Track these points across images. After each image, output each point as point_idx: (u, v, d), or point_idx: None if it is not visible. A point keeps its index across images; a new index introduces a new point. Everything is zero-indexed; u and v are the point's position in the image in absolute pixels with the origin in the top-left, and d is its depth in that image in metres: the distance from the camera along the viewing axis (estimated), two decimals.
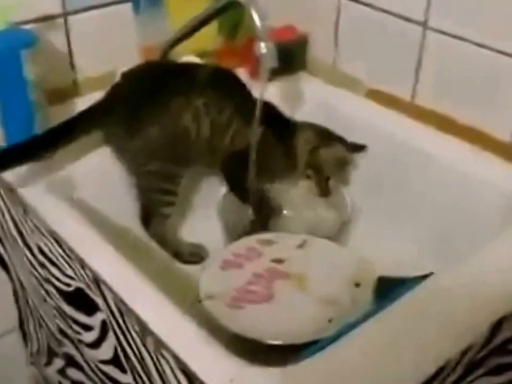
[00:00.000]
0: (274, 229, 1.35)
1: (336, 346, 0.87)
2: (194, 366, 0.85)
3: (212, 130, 1.24)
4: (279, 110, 1.34)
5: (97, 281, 1.01)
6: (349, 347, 0.88)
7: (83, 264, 1.03)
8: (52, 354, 1.36)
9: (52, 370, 1.39)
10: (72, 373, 1.28)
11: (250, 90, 1.29)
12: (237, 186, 1.32)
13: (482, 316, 0.93)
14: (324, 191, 1.33)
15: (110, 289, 0.98)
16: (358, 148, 1.35)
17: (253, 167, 1.25)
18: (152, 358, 0.95)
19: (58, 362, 1.34)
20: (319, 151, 1.31)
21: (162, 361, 0.91)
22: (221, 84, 1.26)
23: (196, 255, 1.31)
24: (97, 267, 1.01)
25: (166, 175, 1.24)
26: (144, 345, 0.95)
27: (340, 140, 1.34)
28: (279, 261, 1.22)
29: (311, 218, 1.39)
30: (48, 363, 1.40)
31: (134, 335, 0.97)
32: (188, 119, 1.22)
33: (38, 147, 1.16)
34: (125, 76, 1.26)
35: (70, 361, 1.27)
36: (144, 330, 0.93)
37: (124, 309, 0.96)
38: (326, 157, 1.31)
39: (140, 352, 0.98)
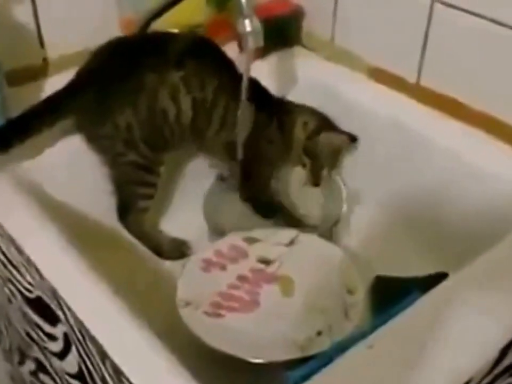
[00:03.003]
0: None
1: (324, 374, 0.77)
2: None
3: (194, 110, 1.13)
4: (266, 88, 1.23)
5: (55, 295, 0.90)
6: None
7: (40, 275, 0.92)
8: (23, 355, 1.27)
9: (25, 371, 1.31)
10: (44, 378, 1.19)
11: (235, 64, 1.17)
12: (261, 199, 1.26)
13: (490, 341, 0.81)
14: (317, 180, 1.25)
15: (68, 306, 0.88)
16: (351, 138, 1.25)
17: (242, 152, 1.17)
18: (114, 382, 0.84)
19: (30, 365, 1.25)
20: (319, 137, 1.22)
21: None
22: (201, 55, 1.14)
23: (177, 251, 1.23)
24: (54, 281, 0.90)
25: (144, 164, 1.15)
26: (105, 367, 0.85)
27: (337, 128, 1.26)
28: (266, 261, 1.14)
29: (304, 212, 1.30)
30: (21, 363, 1.31)
31: (95, 355, 0.87)
32: (164, 98, 1.11)
33: None
34: (94, 55, 1.14)
35: (40, 366, 1.17)
36: (102, 354, 0.83)
37: (82, 328, 0.86)
38: (324, 144, 1.22)
39: (102, 373, 0.88)
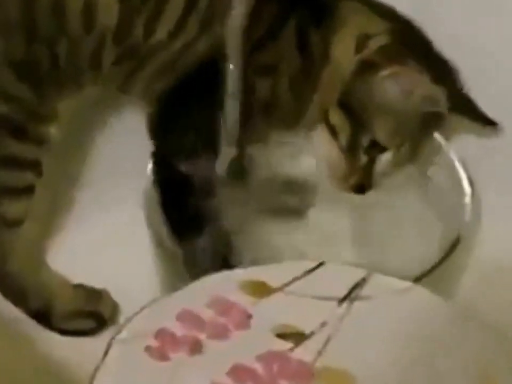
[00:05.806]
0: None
1: None
2: None
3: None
4: None
5: None
6: None
7: None
8: None
9: None
10: None
11: None
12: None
13: None
14: (367, 179, 0.71)
15: None
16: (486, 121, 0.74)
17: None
18: None
19: None
20: (399, 78, 0.67)
21: None
22: None
23: (87, 313, 0.76)
24: None
25: (9, 117, 0.69)
26: None
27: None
28: (293, 336, 0.63)
29: (376, 235, 0.83)
30: None
31: None
32: None
33: None
34: None
35: None
36: None
37: None
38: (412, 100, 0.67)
39: None
